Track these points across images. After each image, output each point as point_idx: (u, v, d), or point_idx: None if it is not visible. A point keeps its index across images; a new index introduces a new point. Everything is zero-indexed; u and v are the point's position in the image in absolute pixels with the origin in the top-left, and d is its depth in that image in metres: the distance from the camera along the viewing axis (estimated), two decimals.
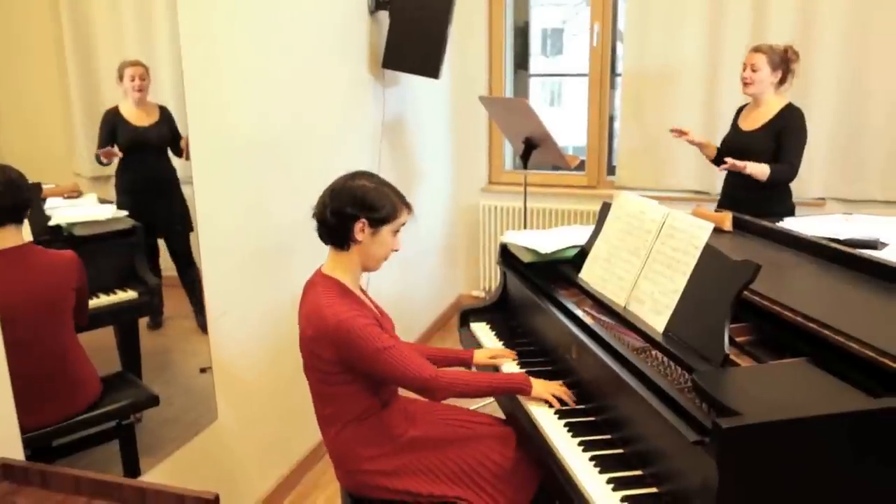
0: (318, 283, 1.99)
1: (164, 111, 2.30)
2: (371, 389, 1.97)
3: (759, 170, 3.25)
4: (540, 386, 2.02)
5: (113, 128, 2.16)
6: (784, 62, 3.31)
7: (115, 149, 2.15)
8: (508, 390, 2.04)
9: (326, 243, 2.01)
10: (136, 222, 2.22)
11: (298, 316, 2.02)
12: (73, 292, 1.96)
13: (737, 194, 3.37)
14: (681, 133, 3.51)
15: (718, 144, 3.56)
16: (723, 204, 3.44)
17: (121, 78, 2.17)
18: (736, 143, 3.43)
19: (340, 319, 1.85)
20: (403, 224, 2.01)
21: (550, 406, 2.00)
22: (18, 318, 1.72)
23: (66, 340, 1.98)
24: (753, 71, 3.33)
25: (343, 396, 1.96)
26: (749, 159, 3.27)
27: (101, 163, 2.13)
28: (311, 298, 1.97)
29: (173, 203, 2.39)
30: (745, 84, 3.37)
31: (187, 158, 2.35)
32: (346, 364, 1.90)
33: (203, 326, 2.47)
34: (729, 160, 3.25)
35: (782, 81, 3.35)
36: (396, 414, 2.04)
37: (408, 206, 2.01)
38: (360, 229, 1.93)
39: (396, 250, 2.02)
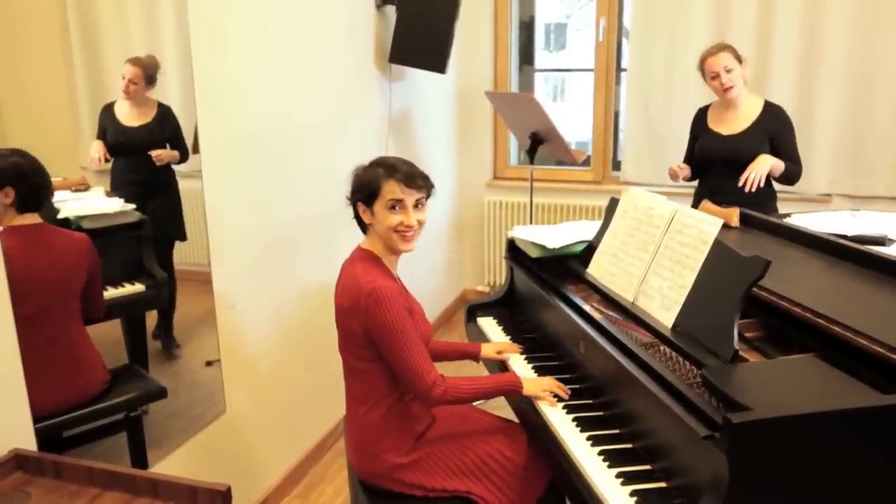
0: (357, 257, 2.04)
1: (162, 112, 2.24)
2: None
3: (777, 165, 3.02)
4: (531, 385, 2.01)
5: (104, 124, 2.10)
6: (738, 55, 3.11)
7: (96, 149, 2.08)
8: (500, 394, 2.05)
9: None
10: (144, 216, 2.22)
11: (335, 291, 2.06)
12: (84, 273, 1.97)
13: (726, 200, 2.87)
14: (675, 176, 3.29)
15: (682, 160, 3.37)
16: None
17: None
18: (721, 150, 3.16)
19: (376, 286, 1.89)
20: (398, 199, 1.95)
21: (556, 398, 2.01)
22: (28, 293, 1.73)
23: (71, 322, 1.98)
24: (728, 72, 3.05)
25: (372, 375, 1.98)
26: (737, 164, 3.05)
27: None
28: (348, 271, 2.02)
29: (164, 208, 2.33)
30: (727, 89, 3.09)
31: (181, 161, 2.31)
32: (369, 336, 1.93)
33: (167, 351, 2.39)
34: (748, 177, 2.95)
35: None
36: (421, 406, 2.06)
37: (401, 181, 1.94)
38: (363, 211, 2.01)
39: (408, 224, 1.95)
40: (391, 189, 1.96)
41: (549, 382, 2.03)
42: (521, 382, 2.01)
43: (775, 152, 3.12)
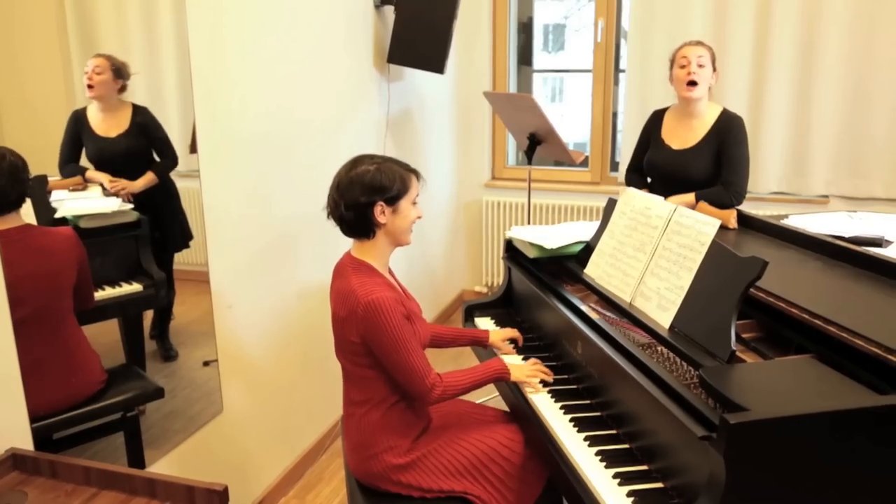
0: (349, 265, 2.02)
1: (138, 115, 2.12)
2: None
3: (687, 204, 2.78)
4: (517, 371, 2.09)
5: (77, 134, 1.98)
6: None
7: (103, 179, 2.01)
8: (491, 381, 2.11)
9: (350, 237, 2.04)
10: (141, 215, 2.21)
11: (330, 297, 2.06)
12: (74, 269, 1.96)
13: None
14: None
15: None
16: None
17: None
18: (669, 165, 2.97)
19: (371, 299, 1.88)
20: (418, 194, 2.04)
21: (553, 398, 2.02)
22: (21, 297, 1.72)
23: (66, 322, 1.97)
24: (700, 66, 2.83)
25: (371, 380, 1.99)
26: (686, 182, 2.91)
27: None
28: (342, 281, 2.00)
29: (162, 219, 2.26)
30: (691, 84, 2.85)
31: (172, 167, 2.22)
32: (367, 346, 1.93)
33: (164, 357, 2.35)
34: None
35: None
36: (419, 408, 2.07)
37: (416, 174, 2.05)
38: (381, 212, 1.96)
39: (420, 217, 2.06)
40: (415, 185, 2.03)
41: (532, 367, 2.11)
42: (509, 369, 2.09)
43: (720, 163, 2.96)
